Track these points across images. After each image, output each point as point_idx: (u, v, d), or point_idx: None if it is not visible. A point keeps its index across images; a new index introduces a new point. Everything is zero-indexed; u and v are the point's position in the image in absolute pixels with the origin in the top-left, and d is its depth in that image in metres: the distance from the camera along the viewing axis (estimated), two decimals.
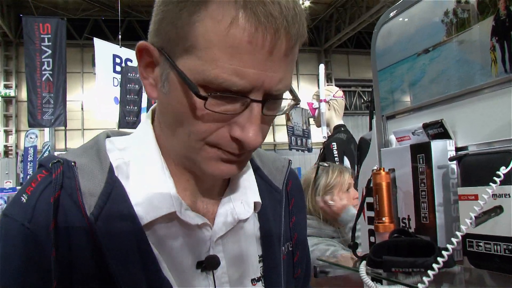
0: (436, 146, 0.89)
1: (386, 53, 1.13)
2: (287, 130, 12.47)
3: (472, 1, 0.88)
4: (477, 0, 0.87)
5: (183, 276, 0.69)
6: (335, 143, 3.03)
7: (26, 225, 0.62)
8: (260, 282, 0.78)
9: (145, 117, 0.77)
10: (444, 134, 0.91)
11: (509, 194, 0.72)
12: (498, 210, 0.74)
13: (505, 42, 0.81)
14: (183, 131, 0.65)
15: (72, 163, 0.66)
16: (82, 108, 17.64)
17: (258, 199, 0.79)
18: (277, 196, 0.84)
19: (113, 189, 0.65)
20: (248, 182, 0.80)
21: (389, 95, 1.13)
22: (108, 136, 0.76)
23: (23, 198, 0.65)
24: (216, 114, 0.61)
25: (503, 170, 0.71)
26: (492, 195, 0.74)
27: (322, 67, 3.48)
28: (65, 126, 9.44)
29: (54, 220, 0.61)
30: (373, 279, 0.82)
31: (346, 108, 3.41)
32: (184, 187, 0.73)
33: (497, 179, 0.70)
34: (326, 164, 2.23)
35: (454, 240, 0.69)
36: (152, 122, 0.76)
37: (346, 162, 2.99)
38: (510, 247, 0.71)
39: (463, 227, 0.71)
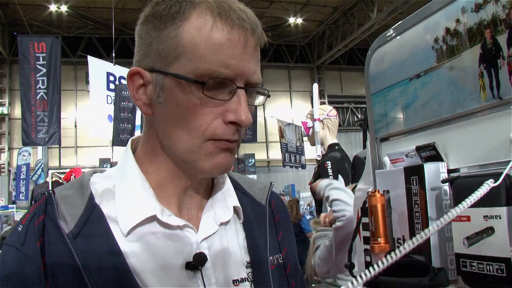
0: (429, 168, 0.92)
1: (379, 77, 1.17)
2: (281, 147, 12.51)
3: (461, 30, 0.92)
4: (466, 28, 0.90)
5: (173, 278, 0.75)
6: (329, 162, 3.06)
7: (19, 248, 0.72)
8: (246, 283, 0.84)
9: (126, 146, 0.87)
10: (436, 157, 0.94)
11: (499, 216, 0.75)
12: (489, 231, 0.76)
13: (492, 69, 0.84)
14: (183, 132, 0.75)
15: (51, 191, 0.77)
16: (75, 126, 17.60)
17: (237, 203, 0.88)
18: (260, 210, 0.93)
19: (92, 213, 0.76)
20: (227, 191, 0.89)
21: (383, 117, 1.16)
22: (95, 172, 0.86)
23: (19, 228, 0.75)
24: (211, 101, 0.72)
25: (490, 183, 0.74)
26: (484, 216, 0.77)
27: (315, 86, 3.51)
28: (59, 144, 9.43)
29: (41, 239, 0.71)
30: None
31: (339, 125, 3.45)
32: (172, 194, 0.81)
33: (478, 194, 0.73)
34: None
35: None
36: (135, 149, 0.86)
37: (341, 180, 3.01)
38: (502, 267, 0.74)
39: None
